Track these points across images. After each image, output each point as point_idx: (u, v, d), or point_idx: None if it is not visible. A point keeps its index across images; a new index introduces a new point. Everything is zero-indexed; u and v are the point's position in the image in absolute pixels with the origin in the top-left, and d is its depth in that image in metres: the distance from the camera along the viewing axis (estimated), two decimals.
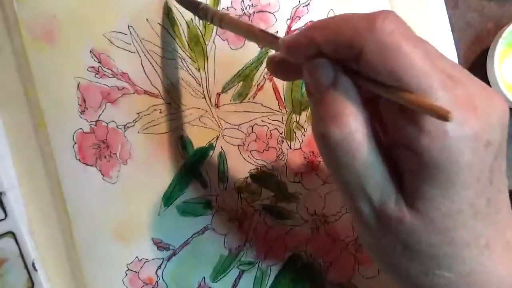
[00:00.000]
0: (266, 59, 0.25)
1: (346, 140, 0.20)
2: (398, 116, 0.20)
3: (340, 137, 0.20)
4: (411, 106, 0.18)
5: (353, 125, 0.20)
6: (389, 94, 0.19)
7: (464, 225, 0.20)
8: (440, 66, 0.19)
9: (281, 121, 0.35)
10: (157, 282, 0.34)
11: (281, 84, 0.35)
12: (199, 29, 0.34)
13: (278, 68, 0.25)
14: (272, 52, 0.33)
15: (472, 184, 0.19)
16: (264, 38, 0.24)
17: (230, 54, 0.34)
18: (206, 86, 0.34)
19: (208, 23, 0.32)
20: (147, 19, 0.33)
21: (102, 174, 0.33)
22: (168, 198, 0.34)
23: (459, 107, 0.18)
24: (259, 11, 0.35)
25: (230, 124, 0.35)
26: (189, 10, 0.32)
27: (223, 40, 0.34)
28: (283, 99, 0.35)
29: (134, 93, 0.33)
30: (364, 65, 0.19)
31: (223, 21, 0.27)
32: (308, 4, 0.36)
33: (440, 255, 0.20)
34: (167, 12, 0.33)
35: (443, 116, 0.17)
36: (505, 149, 0.20)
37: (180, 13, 0.34)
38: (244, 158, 0.35)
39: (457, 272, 0.20)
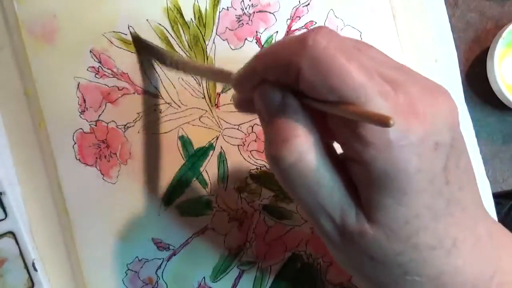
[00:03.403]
0: (232, 100, 0.27)
1: (297, 163, 0.20)
2: (344, 131, 0.20)
3: (291, 160, 0.20)
4: (353, 117, 0.18)
5: (304, 147, 0.20)
6: (331, 109, 0.19)
7: (425, 229, 0.20)
8: (381, 74, 0.19)
9: None
10: (157, 282, 0.34)
11: None
12: (199, 29, 0.34)
13: (242, 105, 0.25)
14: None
15: (426, 187, 0.19)
16: (217, 75, 0.25)
17: (230, 54, 0.34)
18: (206, 86, 0.34)
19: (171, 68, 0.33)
20: (147, 19, 0.33)
21: (102, 174, 0.33)
22: (168, 198, 0.34)
23: (401, 114, 0.18)
24: (259, 11, 0.35)
25: (230, 124, 0.35)
26: (157, 61, 0.32)
27: (223, 40, 0.34)
28: None
29: (134, 93, 0.33)
30: (304, 85, 0.19)
31: (184, 66, 0.29)
32: (308, 4, 0.36)
33: (406, 262, 0.20)
34: (167, 12, 0.33)
35: (384, 122, 0.17)
36: (462, 145, 0.20)
37: (180, 13, 0.34)
38: (244, 158, 0.35)
39: (426, 275, 0.20)
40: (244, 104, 0.25)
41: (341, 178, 0.20)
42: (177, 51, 0.34)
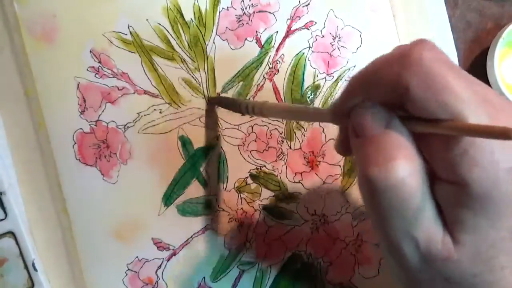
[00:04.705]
0: (334, 145, 0.26)
1: (399, 186, 0.19)
2: (444, 151, 0.19)
3: (393, 181, 0.19)
4: (469, 134, 0.18)
5: (408, 169, 0.19)
6: (441, 128, 0.18)
7: (505, 251, 0.19)
8: (477, 90, 0.19)
9: (281, 121, 0.35)
10: (157, 282, 0.34)
11: (281, 84, 0.35)
12: (199, 29, 0.34)
13: (345, 145, 0.23)
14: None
15: None
16: (309, 113, 0.24)
17: (230, 54, 0.34)
18: (206, 86, 0.34)
19: (251, 115, 0.33)
20: (147, 19, 0.33)
21: (102, 174, 0.33)
22: (168, 198, 0.34)
23: None
24: (259, 11, 0.35)
25: (230, 124, 0.35)
26: (231, 110, 0.33)
27: (223, 40, 0.34)
28: (283, 99, 0.35)
29: (134, 93, 0.33)
30: (413, 103, 0.18)
31: (263, 109, 0.28)
32: (308, 4, 0.36)
33: (480, 283, 0.20)
34: (167, 12, 0.33)
35: (506, 134, 0.16)
36: None
37: (180, 13, 0.34)
38: (244, 158, 0.35)
39: None
40: (347, 144, 0.23)
41: (433, 201, 0.20)
42: (177, 51, 0.34)
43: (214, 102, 0.34)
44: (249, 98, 0.35)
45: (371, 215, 0.21)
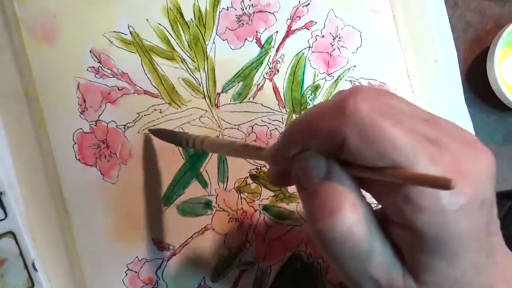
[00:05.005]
0: (266, 175, 0.26)
1: (347, 235, 0.19)
2: (390, 196, 0.19)
3: (340, 233, 0.19)
4: (406, 182, 0.18)
5: (353, 218, 0.19)
6: (381, 175, 0.18)
7: (470, 284, 0.19)
8: (420, 132, 0.19)
9: (281, 121, 0.35)
10: (157, 282, 0.34)
11: (281, 84, 0.35)
12: (199, 29, 0.34)
13: (278, 179, 0.24)
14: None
15: (473, 245, 0.19)
16: (248, 152, 0.24)
17: (230, 54, 0.34)
18: (206, 86, 0.34)
19: (193, 149, 0.33)
20: (147, 19, 0.33)
21: (102, 174, 0.33)
22: (168, 198, 0.34)
23: (449, 176, 0.18)
24: (259, 11, 0.35)
25: (230, 124, 0.35)
26: (170, 142, 0.32)
27: (223, 40, 0.34)
28: (283, 99, 0.35)
29: (134, 93, 0.33)
30: (350, 153, 0.19)
31: (203, 144, 0.28)
32: (308, 4, 0.36)
33: None
34: (167, 12, 0.33)
35: (445, 185, 0.16)
36: (494, 195, 0.20)
37: (180, 13, 0.34)
38: (244, 158, 0.35)
39: None
40: (281, 178, 0.24)
41: (387, 242, 0.20)
42: (177, 51, 0.34)
43: (154, 134, 0.33)
44: (249, 99, 0.35)
45: (330, 262, 0.21)
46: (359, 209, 0.19)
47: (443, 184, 0.16)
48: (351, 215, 0.19)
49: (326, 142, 0.19)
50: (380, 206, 0.21)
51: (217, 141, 0.29)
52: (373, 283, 0.20)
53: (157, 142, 0.33)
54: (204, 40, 0.34)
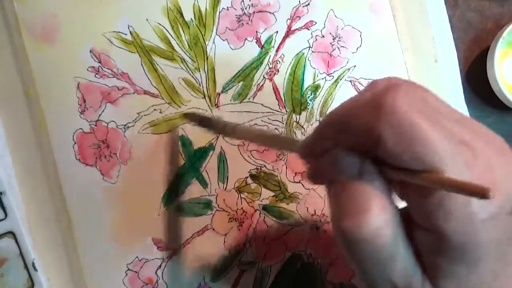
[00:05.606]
0: (306, 174, 0.25)
1: (373, 237, 0.18)
2: (421, 200, 0.18)
3: (366, 235, 0.18)
4: (441, 187, 0.17)
5: (381, 220, 0.18)
6: (416, 179, 0.18)
7: None
8: (455, 134, 0.18)
9: (281, 121, 0.35)
10: (157, 282, 0.34)
11: (281, 84, 0.35)
12: (199, 28, 0.34)
13: (317, 176, 0.23)
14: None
15: (494, 254, 0.19)
16: (280, 142, 0.24)
17: (230, 54, 0.34)
18: (206, 86, 0.34)
19: (223, 135, 0.33)
20: (147, 19, 0.33)
21: (102, 174, 0.33)
22: (168, 198, 0.34)
23: (483, 183, 0.17)
24: (259, 11, 0.35)
25: None
26: (202, 127, 0.31)
27: (223, 40, 0.34)
28: (283, 99, 0.35)
29: (134, 93, 0.33)
30: (385, 152, 0.18)
31: (235, 131, 0.27)
32: (308, 4, 0.36)
33: None
34: (167, 12, 0.33)
35: (483, 194, 0.16)
36: None
37: (180, 13, 0.34)
38: (244, 158, 0.35)
39: None
40: (319, 175, 0.22)
41: (409, 246, 0.19)
42: (177, 51, 0.34)
43: (187, 117, 0.33)
44: (249, 99, 0.35)
45: (349, 262, 0.20)
46: (388, 210, 0.19)
47: (479, 192, 0.16)
48: (380, 216, 0.18)
49: (361, 138, 0.18)
50: (401, 206, 0.20)
51: (249, 128, 0.28)
52: (390, 287, 0.20)
53: (157, 142, 0.34)
54: (204, 40, 0.34)
